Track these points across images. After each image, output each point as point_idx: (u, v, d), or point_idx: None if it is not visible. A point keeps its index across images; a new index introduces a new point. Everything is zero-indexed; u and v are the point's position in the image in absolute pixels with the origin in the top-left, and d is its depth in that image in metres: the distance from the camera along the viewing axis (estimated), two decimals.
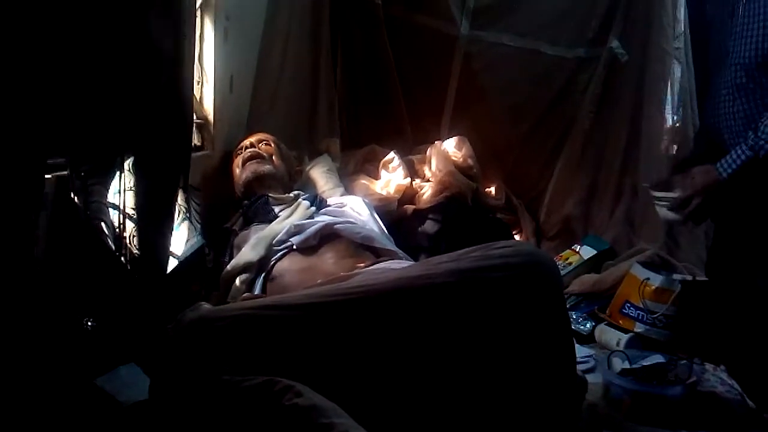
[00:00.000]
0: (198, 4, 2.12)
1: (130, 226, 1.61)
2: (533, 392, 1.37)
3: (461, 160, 2.66)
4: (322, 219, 1.98)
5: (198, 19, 2.16)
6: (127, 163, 1.60)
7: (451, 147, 2.69)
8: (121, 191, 1.60)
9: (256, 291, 1.84)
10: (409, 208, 2.50)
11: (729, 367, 1.95)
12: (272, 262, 1.88)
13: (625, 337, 1.97)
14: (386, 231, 2.16)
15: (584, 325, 2.10)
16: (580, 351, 1.93)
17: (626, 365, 1.71)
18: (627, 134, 2.64)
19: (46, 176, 1.37)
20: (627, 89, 2.66)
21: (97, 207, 1.55)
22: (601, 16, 2.71)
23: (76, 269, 1.50)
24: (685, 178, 1.88)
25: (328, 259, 1.86)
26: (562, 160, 2.79)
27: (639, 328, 2.00)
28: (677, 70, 2.52)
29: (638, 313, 2.02)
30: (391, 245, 2.02)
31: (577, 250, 2.47)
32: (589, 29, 2.74)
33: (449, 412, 1.33)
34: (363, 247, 1.93)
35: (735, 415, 1.63)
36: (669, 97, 2.56)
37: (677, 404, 1.60)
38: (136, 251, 1.61)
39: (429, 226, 2.47)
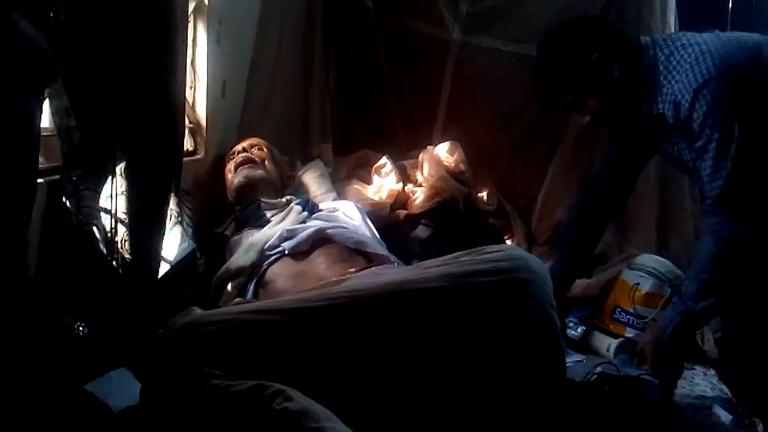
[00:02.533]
0: (191, 9, 2.12)
1: (121, 230, 1.61)
2: (522, 396, 1.38)
3: (453, 165, 2.66)
4: (314, 224, 1.99)
5: (191, 24, 2.17)
6: (119, 168, 1.60)
7: (443, 152, 2.69)
8: (113, 196, 1.60)
9: (248, 296, 1.84)
10: (401, 213, 2.50)
11: (720, 371, 1.97)
12: (264, 267, 1.89)
13: (615, 342, 1.97)
14: (378, 236, 2.16)
15: (575, 330, 2.10)
16: (572, 356, 1.95)
17: None
18: None
19: (38, 180, 1.37)
20: None
21: (89, 211, 1.55)
22: None
23: (67, 274, 1.51)
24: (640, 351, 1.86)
25: (319, 264, 1.87)
26: (553, 165, 2.80)
27: (630, 333, 2.01)
28: None
29: (629, 318, 2.02)
30: (383, 250, 2.02)
31: None
32: None
33: (439, 416, 1.34)
34: (355, 252, 1.93)
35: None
36: None
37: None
38: (127, 256, 1.61)
39: (421, 231, 2.47)
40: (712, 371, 1.96)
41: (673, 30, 2.55)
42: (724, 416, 1.67)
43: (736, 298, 2.21)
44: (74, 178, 1.51)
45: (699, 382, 1.88)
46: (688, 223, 2.39)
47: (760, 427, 1.62)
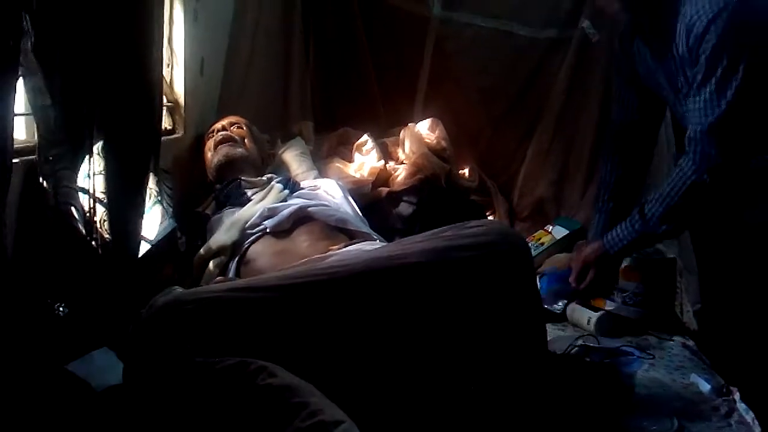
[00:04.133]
0: None
1: (100, 210, 1.59)
2: (505, 370, 1.39)
3: (434, 142, 2.66)
4: (296, 202, 1.98)
5: (167, 1, 2.13)
6: (97, 147, 1.58)
7: (425, 129, 2.69)
8: (91, 175, 1.58)
9: (230, 274, 1.84)
10: (383, 190, 2.50)
11: (698, 342, 2.00)
12: (245, 246, 1.88)
13: (595, 316, 2.00)
14: (360, 213, 2.16)
15: (556, 304, 2.13)
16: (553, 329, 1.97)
17: None
18: (598, 116, 2.66)
19: (14, 161, 1.35)
20: (598, 70, 2.67)
21: (67, 192, 1.53)
22: None
23: (46, 255, 1.49)
24: (579, 253, 1.94)
25: (302, 242, 1.86)
26: (534, 142, 2.80)
27: (610, 306, 2.04)
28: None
29: None
30: (365, 227, 2.03)
31: (550, 230, 2.49)
32: (560, 10, 2.75)
33: (423, 391, 1.35)
34: (337, 230, 1.93)
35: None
36: None
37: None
38: (107, 236, 1.59)
39: (403, 208, 2.48)
40: (691, 342, 1.99)
41: None
42: (703, 385, 1.70)
43: (715, 271, 2.25)
44: (51, 158, 1.49)
45: (678, 353, 1.91)
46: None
47: (737, 395, 1.64)
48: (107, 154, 1.59)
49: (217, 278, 1.79)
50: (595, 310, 2.03)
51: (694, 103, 1.66)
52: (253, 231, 1.90)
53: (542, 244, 2.44)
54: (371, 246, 1.79)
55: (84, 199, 1.57)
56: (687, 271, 2.32)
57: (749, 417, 1.56)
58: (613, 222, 1.90)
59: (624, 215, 1.85)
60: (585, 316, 2.02)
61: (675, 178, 1.69)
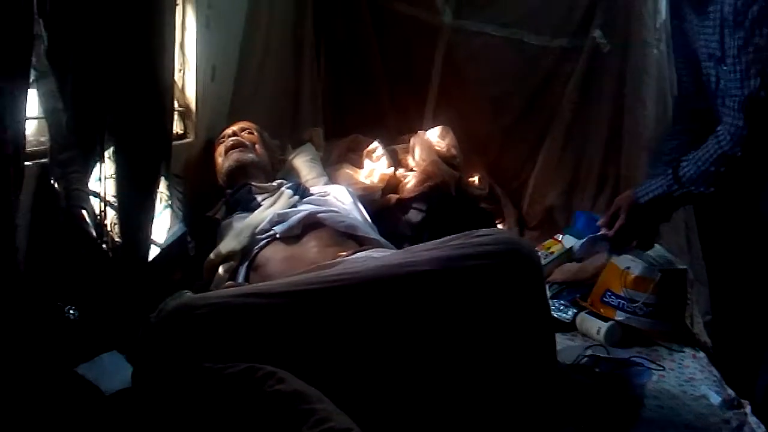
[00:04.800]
0: None
1: (111, 214, 1.60)
2: (513, 379, 1.38)
3: (445, 149, 2.66)
4: (306, 208, 1.98)
5: (179, 8, 2.15)
6: (108, 151, 1.59)
7: (435, 136, 2.69)
8: (102, 179, 1.59)
9: (240, 279, 1.84)
10: (393, 197, 2.50)
11: (709, 354, 1.98)
12: (255, 251, 1.88)
13: (605, 326, 1.98)
14: (369, 220, 2.16)
15: (566, 313, 2.12)
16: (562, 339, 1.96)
17: None
18: (609, 125, 2.66)
19: (27, 163, 1.36)
20: (609, 80, 2.67)
21: (78, 195, 1.53)
22: (584, 6, 2.71)
23: (57, 258, 1.50)
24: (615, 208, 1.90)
25: (311, 248, 1.86)
26: (544, 150, 2.80)
27: (620, 316, 2.02)
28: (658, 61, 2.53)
29: (619, 302, 2.03)
30: (374, 234, 2.02)
31: (560, 239, 2.47)
32: (572, 19, 2.75)
33: (431, 399, 1.34)
34: (346, 236, 1.93)
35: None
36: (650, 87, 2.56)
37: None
38: (117, 239, 1.60)
39: (412, 215, 2.47)
40: (702, 354, 1.97)
41: (664, 18, 2.55)
42: (713, 398, 1.68)
43: (726, 283, 2.24)
44: (62, 162, 1.50)
45: (689, 365, 1.89)
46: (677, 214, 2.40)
47: (748, 408, 1.63)
48: (118, 158, 1.60)
49: (227, 283, 1.79)
50: (605, 320, 2.02)
51: (733, 72, 1.65)
52: (263, 236, 1.91)
53: (552, 253, 2.42)
54: (380, 253, 1.79)
55: (95, 203, 1.58)
56: (698, 282, 2.31)
57: (760, 431, 1.55)
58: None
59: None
60: (595, 326, 2.01)
61: (710, 145, 1.68)
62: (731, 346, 2.09)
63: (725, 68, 1.66)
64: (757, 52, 1.57)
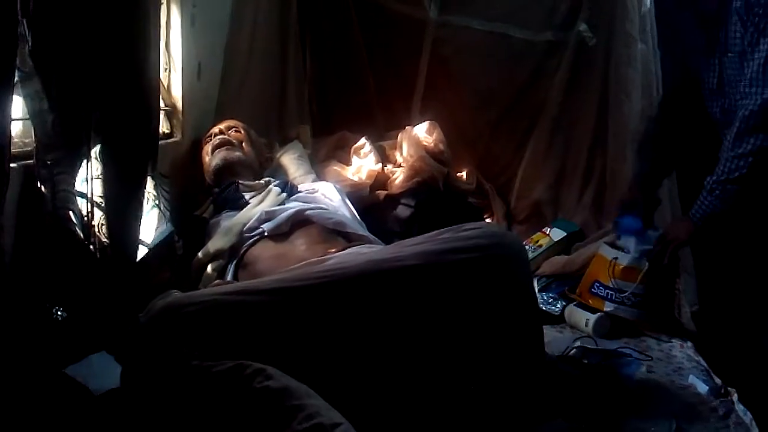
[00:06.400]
0: None
1: (98, 214, 1.59)
2: (502, 371, 1.39)
3: (432, 145, 2.66)
4: (294, 205, 1.98)
5: (164, 6, 2.14)
6: (94, 151, 1.59)
7: (422, 132, 2.70)
8: (89, 179, 1.58)
9: (228, 278, 1.84)
10: (381, 193, 2.51)
11: (696, 343, 2.00)
12: (244, 249, 1.89)
13: (593, 317, 2.00)
14: (358, 216, 2.17)
15: (555, 306, 2.13)
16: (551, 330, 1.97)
17: None
18: (595, 119, 2.67)
19: (12, 165, 1.35)
20: (594, 73, 2.68)
21: (65, 196, 1.52)
22: (569, 0, 2.72)
23: (44, 259, 1.49)
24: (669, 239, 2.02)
25: (299, 246, 1.86)
26: (531, 144, 2.80)
27: (608, 307, 2.04)
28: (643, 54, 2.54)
29: (607, 292, 2.05)
30: (363, 230, 2.03)
31: (547, 232, 2.49)
32: (557, 13, 2.75)
33: (421, 392, 1.35)
34: (335, 233, 1.93)
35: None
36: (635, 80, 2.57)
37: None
38: (104, 240, 1.59)
39: (401, 211, 2.48)
40: (689, 343, 1.99)
41: (648, 9, 2.56)
42: (701, 387, 1.70)
43: (713, 273, 2.26)
44: (49, 163, 1.49)
45: (676, 354, 1.91)
46: (664, 198, 2.41)
47: (735, 396, 1.65)
48: (105, 159, 1.59)
49: (215, 281, 1.80)
50: (593, 311, 2.03)
51: (753, 67, 1.70)
52: (251, 234, 1.91)
53: (540, 246, 2.45)
54: (369, 249, 1.80)
55: (82, 204, 1.57)
56: (685, 273, 2.32)
57: (747, 418, 1.57)
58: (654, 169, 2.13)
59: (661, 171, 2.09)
60: (583, 318, 2.03)
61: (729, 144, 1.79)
62: (718, 335, 2.11)
63: (745, 64, 1.70)
64: None
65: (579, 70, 2.72)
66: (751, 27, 1.69)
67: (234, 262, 1.87)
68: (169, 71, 2.24)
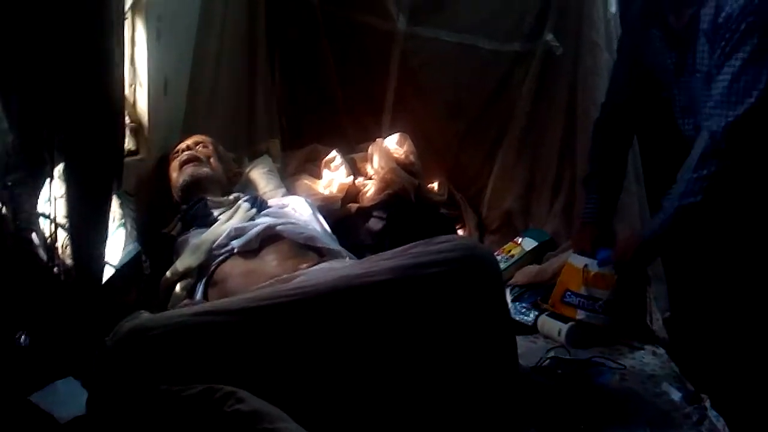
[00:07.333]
0: (128, 6, 2.07)
1: (62, 235, 1.56)
2: (476, 383, 1.38)
3: (403, 156, 2.66)
4: (264, 221, 1.96)
5: (128, 21, 2.11)
6: (57, 170, 1.55)
7: (393, 144, 2.69)
8: (52, 200, 1.55)
9: (197, 297, 1.82)
10: (353, 206, 2.50)
11: (668, 350, 2.01)
12: (213, 267, 1.86)
13: (565, 327, 2.00)
14: (330, 230, 2.15)
15: (528, 316, 2.13)
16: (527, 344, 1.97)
17: None
18: (563, 128, 2.68)
19: None
20: (562, 83, 2.69)
21: (27, 217, 1.49)
22: (536, 10, 2.73)
23: (6, 283, 1.46)
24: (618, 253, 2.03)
25: (270, 262, 1.84)
26: (501, 154, 2.81)
27: (581, 315, 2.04)
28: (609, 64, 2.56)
29: (579, 300, 2.05)
30: (334, 245, 2.01)
31: (519, 242, 2.50)
32: (524, 23, 2.77)
33: (395, 407, 1.34)
34: (306, 248, 1.92)
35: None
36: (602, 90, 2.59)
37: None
38: (69, 262, 1.56)
39: (373, 224, 2.47)
40: (662, 350, 2.00)
41: (612, 20, 2.59)
42: (674, 394, 1.71)
43: (683, 279, 2.28)
44: (10, 183, 1.46)
45: (649, 361, 1.92)
46: (634, 206, 2.43)
47: (707, 402, 1.65)
48: (68, 178, 1.56)
49: (184, 301, 1.77)
50: (566, 320, 2.03)
51: (717, 88, 1.71)
52: (221, 252, 1.88)
53: (512, 256, 2.45)
54: (341, 264, 1.78)
55: (45, 225, 1.54)
56: (656, 279, 2.34)
57: (720, 424, 1.58)
58: (606, 197, 2.16)
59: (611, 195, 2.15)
60: (555, 327, 2.03)
61: (688, 161, 1.79)
62: (690, 341, 2.13)
63: (697, 79, 1.71)
64: (747, 66, 1.66)
65: (547, 80, 2.74)
66: (718, 49, 1.71)
67: (203, 281, 1.84)
68: (135, 87, 2.21)
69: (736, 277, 1.93)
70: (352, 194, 2.52)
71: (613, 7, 2.58)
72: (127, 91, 2.09)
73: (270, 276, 1.75)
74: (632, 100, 2.11)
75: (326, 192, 2.47)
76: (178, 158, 2.20)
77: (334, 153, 2.57)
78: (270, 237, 1.90)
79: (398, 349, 1.35)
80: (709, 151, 1.74)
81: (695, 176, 1.76)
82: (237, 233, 1.90)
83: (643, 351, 1.98)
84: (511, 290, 2.25)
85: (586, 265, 2.06)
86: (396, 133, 2.72)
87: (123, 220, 1.77)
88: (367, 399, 1.32)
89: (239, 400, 1.14)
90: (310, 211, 2.16)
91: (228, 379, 1.19)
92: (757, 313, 1.86)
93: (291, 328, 1.30)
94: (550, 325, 2.06)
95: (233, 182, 2.30)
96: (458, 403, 1.37)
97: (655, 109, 2.10)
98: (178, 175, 2.16)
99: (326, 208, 2.34)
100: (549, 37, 2.70)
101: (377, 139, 2.70)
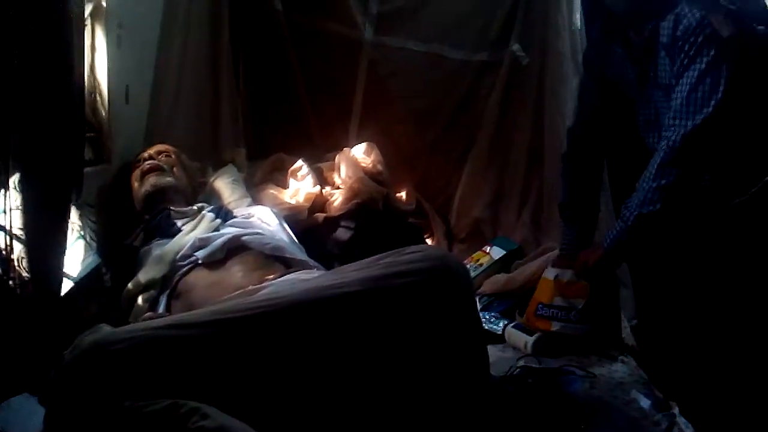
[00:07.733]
0: (88, 12, 2.02)
1: (18, 247, 1.51)
2: (447, 394, 1.37)
3: (371, 166, 2.65)
4: (229, 231, 1.92)
5: (88, 28, 2.07)
6: (13, 180, 1.50)
7: (360, 153, 2.68)
8: (7, 211, 1.50)
9: (160, 309, 1.77)
10: (320, 216, 2.47)
11: (636, 358, 2.02)
12: (177, 279, 1.81)
13: (531, 339, 1.99)
14: (297, 240, 2.12)
15: (497, 325, 2.12)
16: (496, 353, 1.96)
17: None
18: (530, 138, 2.70)
19: None
20: (529, 93, 2.71)
21: None
22: (502, 20, 2.76)
23: None
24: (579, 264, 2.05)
25: (236, 273, 1.80)
26: (469, 164, 2.82)
27: (556, 326, 2.03)
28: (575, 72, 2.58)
29: (552, 312, 2.04)
30: (302, 255, 1.98)
31: (488, 251, 2.50)
32: (491, 32, 2.79)
33: (365, 421, 1.31)
34: (273, 259, 1.88)
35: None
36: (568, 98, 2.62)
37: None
38: (25, 275, 1.51)
39: (341, 234, 2.44)
40: (629, 358, 2.00)
41: (579, 28, 2.61)
42: (643, 401, 1.71)
43: (649, 286, 2.30)
44: None
45: (617, 369, 1.92)
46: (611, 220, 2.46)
47: (676, 409, 1.66)
48: (25, 188, 1.52)
49: (147, 314, 1.72)
50: (530, 333, 2.02)
51: (677, 98, 1.73)
52: (184, 263, 1.84)
53: (481, 265, 2.45)
54: (308, 275, 1.75)
55: (0, 237, 1.48)
56: (623, 286, 2.36)
57: (689, 431, 1.58)
58: (582, 226, 2.14)
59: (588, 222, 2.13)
60: (522, 340, 2.01)
61: (648, 169, 1.81)
62: (658, 348, 2.14)
63: (660, 92, 1.73)
64: (701, 79, 1.69)
65: (514, 90, 2.76)
66: (678, 61, 1.74)
67: (167, 293, 1.80)
68: (95, 95, 2.16)
69: (702, 284, 1.95)
70: (319, 204, 2.50)
71: (578, 21, 2.61)
72: (87, 98, 2.04)
73: (235, 287, 1.71)
74: (599, 116, 2.11)
75: (293, 202, 2.44)
76: (141, 167, 2.15)
77: (300, 162, 2.55)
78: (236, 247, 1.86)
79: (369, 360, 1.32)
80: (667, 160, 1.76)
81: (654, 185, 1.78)
82: (201, 244, 1.86)
83: (612, 359, 1.98)
84: (480, 299, 2.25)
85: (556, 276, 2.06)
86: (363, 142, 2.71)
87: (82, 232, 1.73)
88: (337, 411, 1.29)
89: (204, 416, 1.10)
90: (277, 221, 2.12)
91: (194, 394, 1.15)
92: (723, 319, 1.87)
93: (258, 341, 1.26)
94: (515, 337, 2.05)
95: (197, 192, 2.25)
96: (430, 414, 1.35)
97: (621, 122, 2.11)
98: (140, 185, 2.11)
99: (293, 218, 2.31)
100: (515, 46, 2.72)
101: (344, 149, 2.69)
